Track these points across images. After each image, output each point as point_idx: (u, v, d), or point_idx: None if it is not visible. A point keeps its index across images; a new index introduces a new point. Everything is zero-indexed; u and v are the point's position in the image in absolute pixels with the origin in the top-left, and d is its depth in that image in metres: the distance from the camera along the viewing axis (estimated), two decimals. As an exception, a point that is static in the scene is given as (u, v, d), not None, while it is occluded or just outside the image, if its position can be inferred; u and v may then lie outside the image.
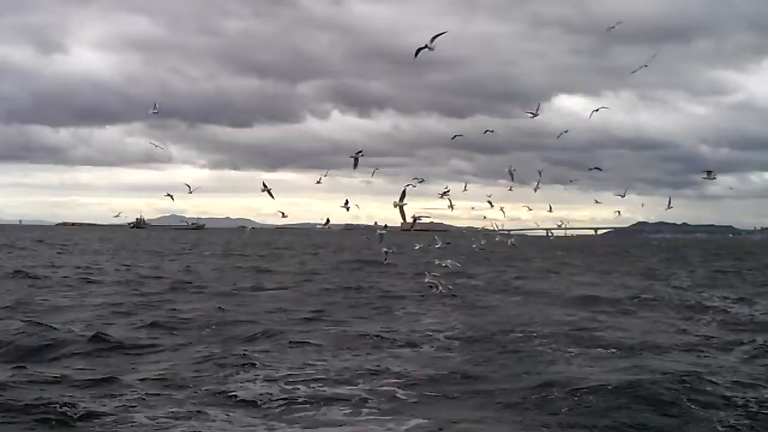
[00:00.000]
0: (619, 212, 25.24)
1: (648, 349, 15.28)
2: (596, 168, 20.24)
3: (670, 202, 19.82)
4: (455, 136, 19.58)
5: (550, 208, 22.86)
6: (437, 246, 22.18)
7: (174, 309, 21.24)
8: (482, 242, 26.10)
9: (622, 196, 21.31)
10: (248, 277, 34.32)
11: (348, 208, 18.97)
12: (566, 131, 19.80)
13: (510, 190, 21.46)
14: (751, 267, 52.13)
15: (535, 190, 20.73)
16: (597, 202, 26.53)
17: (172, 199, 20.59)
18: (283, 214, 20.10)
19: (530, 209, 24.36)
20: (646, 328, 18.79)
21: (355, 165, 17.22)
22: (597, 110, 19.35)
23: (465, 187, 22.04)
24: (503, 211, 23.20)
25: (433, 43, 14.02)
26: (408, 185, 20.08)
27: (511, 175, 20.24)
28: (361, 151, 17.09)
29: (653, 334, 17.73)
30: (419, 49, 13.81)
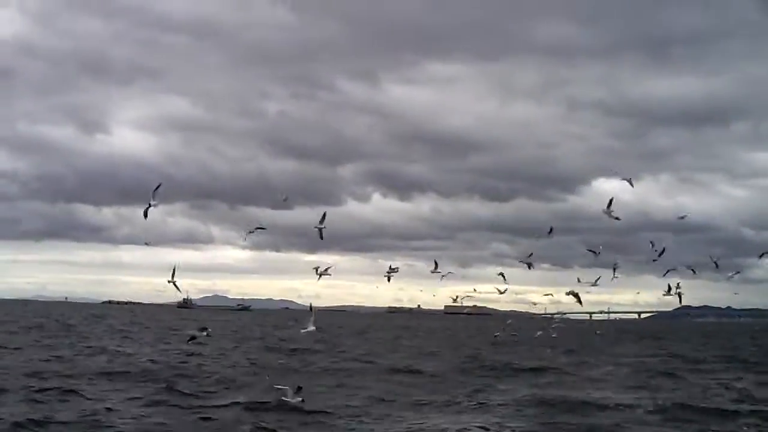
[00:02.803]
0: (678, 294, 23.72)
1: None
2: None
3: None
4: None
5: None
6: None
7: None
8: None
9: (694, 271, 22.25)
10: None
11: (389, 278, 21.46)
12: (684, 216, 21.21)
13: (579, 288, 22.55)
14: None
15: (612, 278, 21.63)
16: (638, 293, 26.38)
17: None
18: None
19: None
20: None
21: (321, 237, 17.85)
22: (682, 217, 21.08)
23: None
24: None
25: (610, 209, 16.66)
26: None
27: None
28: (323, 224, 17.88)
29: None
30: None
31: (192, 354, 29.96)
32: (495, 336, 50.32)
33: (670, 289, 22.30)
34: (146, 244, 23.11)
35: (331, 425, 15.70)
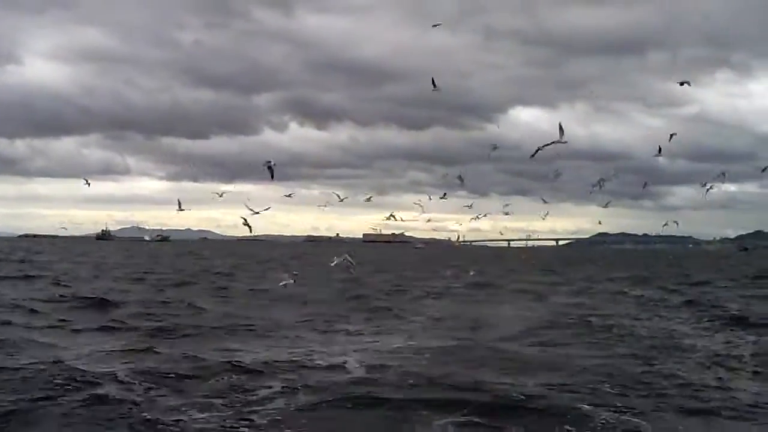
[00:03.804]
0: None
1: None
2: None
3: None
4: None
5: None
6: None
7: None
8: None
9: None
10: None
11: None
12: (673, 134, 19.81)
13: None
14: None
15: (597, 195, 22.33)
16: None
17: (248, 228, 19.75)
18: (247, 225, 19.67)
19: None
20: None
21: (272, 176, 17.54)
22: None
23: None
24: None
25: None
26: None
27: (461, 179, 21.95)
28: (271, 162, 17.67)
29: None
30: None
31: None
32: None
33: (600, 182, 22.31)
34: (86, 183, 25.65)
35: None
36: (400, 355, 15.43)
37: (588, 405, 10.96)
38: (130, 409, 10.42)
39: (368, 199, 24.50)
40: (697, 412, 11.00)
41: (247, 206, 18.53)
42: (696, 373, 13.91)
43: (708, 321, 22.48)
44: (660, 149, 19.67)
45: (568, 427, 9.97)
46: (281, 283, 25.27)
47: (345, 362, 14.48)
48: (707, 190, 22.10)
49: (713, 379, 13.30)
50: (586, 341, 18.11)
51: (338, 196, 21.97)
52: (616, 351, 16.54)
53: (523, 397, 11.40)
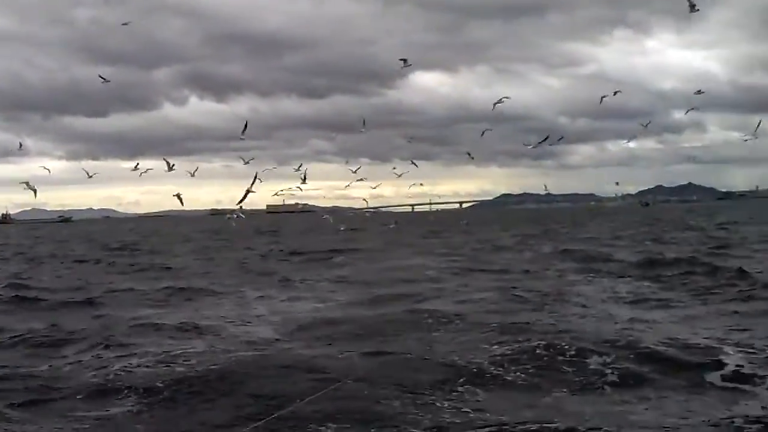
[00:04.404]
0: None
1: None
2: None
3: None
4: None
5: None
6: None
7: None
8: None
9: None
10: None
11: None
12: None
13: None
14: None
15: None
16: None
17: (33, 191, 18.99)
18: (180, 199, 20.07)
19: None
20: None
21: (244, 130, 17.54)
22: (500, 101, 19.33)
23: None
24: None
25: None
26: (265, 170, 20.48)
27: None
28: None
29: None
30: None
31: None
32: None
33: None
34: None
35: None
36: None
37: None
38: None
39: (273, 169, 23.40)
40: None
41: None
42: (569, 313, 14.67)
43: (592, 272, 23.42)
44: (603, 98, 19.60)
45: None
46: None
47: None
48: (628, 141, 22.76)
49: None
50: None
51: (243, 159, 21.36)
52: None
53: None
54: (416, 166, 23.66)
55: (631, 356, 10.57)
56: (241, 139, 18.11)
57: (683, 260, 24.57)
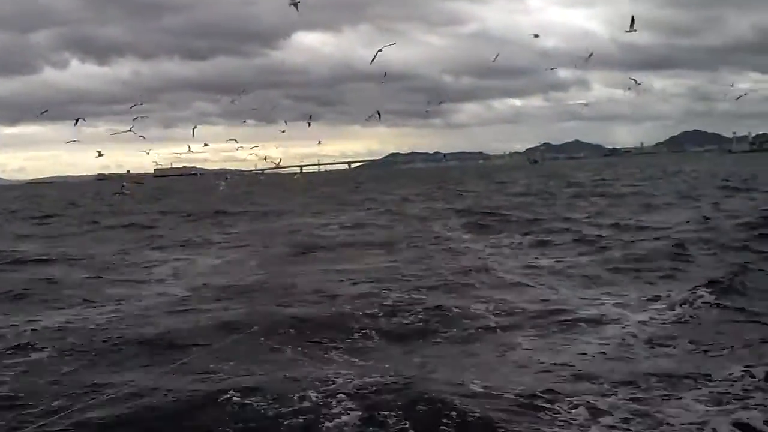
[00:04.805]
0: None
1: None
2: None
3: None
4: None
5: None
6: None
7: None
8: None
9: None
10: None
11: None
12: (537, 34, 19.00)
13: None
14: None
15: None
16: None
17: None
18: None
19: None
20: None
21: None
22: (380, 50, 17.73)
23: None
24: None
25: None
26: None
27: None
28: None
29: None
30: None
31: None
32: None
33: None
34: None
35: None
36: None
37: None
38: None
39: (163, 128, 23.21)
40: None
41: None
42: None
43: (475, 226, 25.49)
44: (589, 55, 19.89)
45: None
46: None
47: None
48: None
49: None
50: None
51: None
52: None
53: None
54: (309, 125, 24.42)
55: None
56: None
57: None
